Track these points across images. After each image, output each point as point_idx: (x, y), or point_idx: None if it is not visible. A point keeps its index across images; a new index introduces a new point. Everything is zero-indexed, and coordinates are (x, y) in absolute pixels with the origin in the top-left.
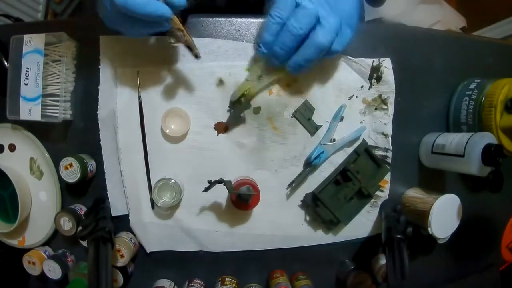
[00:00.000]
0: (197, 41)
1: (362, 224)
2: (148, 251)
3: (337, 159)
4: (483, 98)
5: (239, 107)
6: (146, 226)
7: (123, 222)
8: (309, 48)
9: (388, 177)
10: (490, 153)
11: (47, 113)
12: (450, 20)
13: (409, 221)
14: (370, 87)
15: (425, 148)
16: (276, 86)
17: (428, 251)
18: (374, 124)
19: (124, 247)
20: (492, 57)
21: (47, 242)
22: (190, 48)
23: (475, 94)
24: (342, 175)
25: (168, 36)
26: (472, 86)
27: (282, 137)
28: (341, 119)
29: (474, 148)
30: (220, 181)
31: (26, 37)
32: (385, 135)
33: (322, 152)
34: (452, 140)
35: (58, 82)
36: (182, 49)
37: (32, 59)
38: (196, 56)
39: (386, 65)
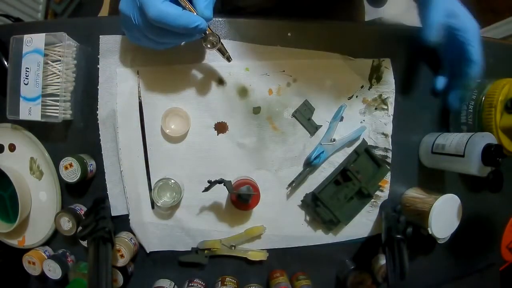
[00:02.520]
0: (196, 41)
1: (362, 224)
2: (148, 251)
3: (337, 159)
4: (483, 98)
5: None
6: (146, 226)
7: (123, 222)
8: None
9: (388, 177)
10: (490, 153)
11: (47, 113)
12: None
13: (409, 221)
14: (370, 87)
15: (425, 148)
16: (276, 86)
17: (428, 251)
18: (374, 124)
19: (124, 247)
20: (492, 57)
21: (47, 242)
22: (222, 52)
23: (475, 94)
24: (342, 175)
25: (203, 42)
26: (472, 86)
27: (282, 137)
28: (341, 119)
29: (474, 148)
30: (220, 181)
31: (26, 37)
32: (385, 135)
33: (322, 152)
34: (452, 140)
35: (58, 82)
36: (181, 49)
37: (32, 59)
38: (228, 59)
39: (386, 65)
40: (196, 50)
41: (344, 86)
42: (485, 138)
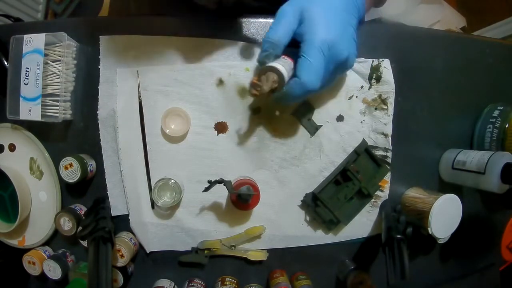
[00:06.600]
0: (197, 41)
1: (362, 224)
2: (148, 251)
3: (337, 159)
4: (507, 126)
5: None
6: (146, 226)
7: (123, 222)
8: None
9: (388, 177)
10: (509, 172)
11: (47, 113)
12: (450, 20)
13: (409, 221)
14: (370, 87)
15: (445, 163)
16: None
17: (428, 251)
18: (374, 124)
19: (124, 247)
20: (492, 57)
21: (47, 242)
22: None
23: (499, 122)
24: (342, 175)
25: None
26: (496, 113)
27: (282, 137)
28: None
29: (495, 166)
30: (220, 181)
31: (26, 37)
32: (385, 135)
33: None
34: (473, 157)
35: (58, 82)
36: (181, 49)
37: (32, 59)
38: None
39: (386, 65)
40: (196, 50)
41: (344, 86)
42: (505, 157)
